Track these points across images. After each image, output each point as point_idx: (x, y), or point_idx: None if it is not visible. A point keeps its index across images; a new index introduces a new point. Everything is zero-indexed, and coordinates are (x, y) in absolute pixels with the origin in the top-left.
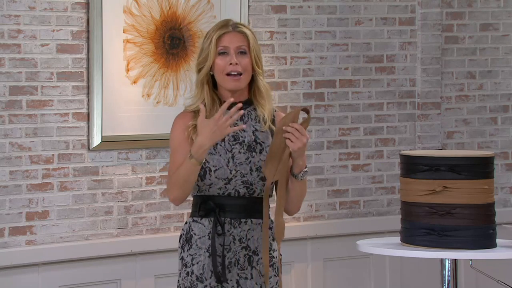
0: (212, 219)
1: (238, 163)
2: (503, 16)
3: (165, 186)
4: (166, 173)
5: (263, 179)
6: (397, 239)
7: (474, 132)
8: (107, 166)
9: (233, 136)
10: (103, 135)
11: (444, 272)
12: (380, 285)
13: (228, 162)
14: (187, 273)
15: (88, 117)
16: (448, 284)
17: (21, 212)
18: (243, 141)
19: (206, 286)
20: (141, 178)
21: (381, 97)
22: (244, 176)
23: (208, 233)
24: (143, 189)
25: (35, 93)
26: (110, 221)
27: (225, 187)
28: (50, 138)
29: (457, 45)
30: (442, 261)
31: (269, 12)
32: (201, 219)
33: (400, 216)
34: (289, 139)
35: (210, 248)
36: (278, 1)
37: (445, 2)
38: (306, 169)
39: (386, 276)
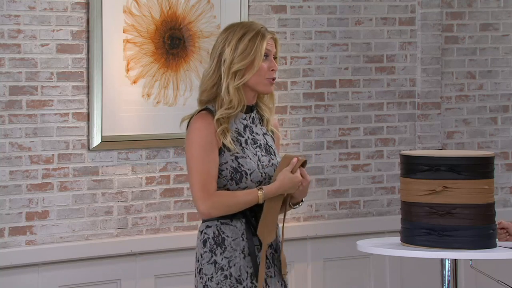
0: (243, 220)
1: (265, 166)
2: (503, 16)
3: (165, 186)
4: (166, 173)
5: None
6: (397, 239)
7: (474, 132)
8: (107, 166)
9: (252, 139)
10: (103, 135)
11: (444, 272)
12: (380, 285)
13: (258, 165)
14: (225, 276)
15: (88, 117)
16: (448, 284)
17: (21, 212)
18: (261, 144)
19: (244, 287)
20: (141, 178)
21: (381, 97)
22: (271, 178)
23: (241, 235)
24: (143, 189)
25: (35, 93)
26: (110, 221)
27: None
28: (50, 138)
29: (457, 45)
30: (442, 261)
31: (269, 12)
32: (231, 221)
33: (400, 216)
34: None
35: (244, 249)
36: (278, 1)
37: (445, 2)
38: (302, 203)
39: (386, 276)
